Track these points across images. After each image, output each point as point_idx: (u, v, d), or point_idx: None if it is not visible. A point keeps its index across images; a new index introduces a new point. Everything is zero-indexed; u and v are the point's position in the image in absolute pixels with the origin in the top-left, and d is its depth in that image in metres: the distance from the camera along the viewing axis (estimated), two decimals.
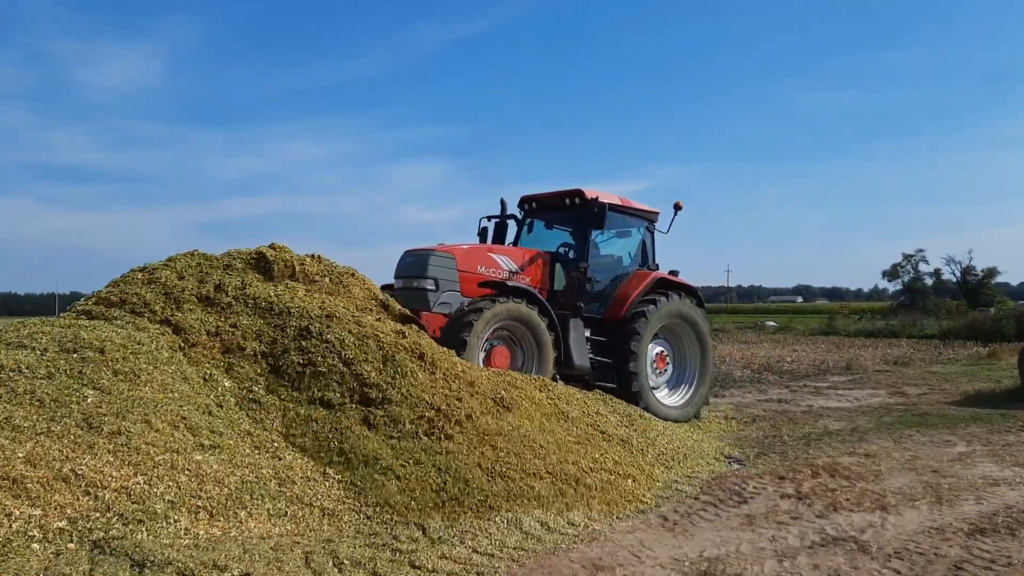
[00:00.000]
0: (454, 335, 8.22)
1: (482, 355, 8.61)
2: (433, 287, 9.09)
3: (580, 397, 7.94)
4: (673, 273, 11.01)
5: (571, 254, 10.73)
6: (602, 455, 6.71)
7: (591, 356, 9.81)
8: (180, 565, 3.79)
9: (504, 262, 9.84)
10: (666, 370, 10.76)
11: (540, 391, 7.47)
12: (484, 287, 9.19)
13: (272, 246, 7.63)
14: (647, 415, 8.80)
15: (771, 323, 43.40)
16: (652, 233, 11.26)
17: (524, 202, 11.41)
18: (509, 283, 9.24)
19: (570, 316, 9.61)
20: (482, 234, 11.24)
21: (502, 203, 11.31)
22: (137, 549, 3.85)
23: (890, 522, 5.68)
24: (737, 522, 5.72)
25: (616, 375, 9.92)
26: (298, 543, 4.39)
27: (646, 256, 11.19)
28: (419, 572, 4.33)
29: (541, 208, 11.28)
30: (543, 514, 5.45)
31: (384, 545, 4.58)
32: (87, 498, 4.10)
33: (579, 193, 10.37)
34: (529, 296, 9.03)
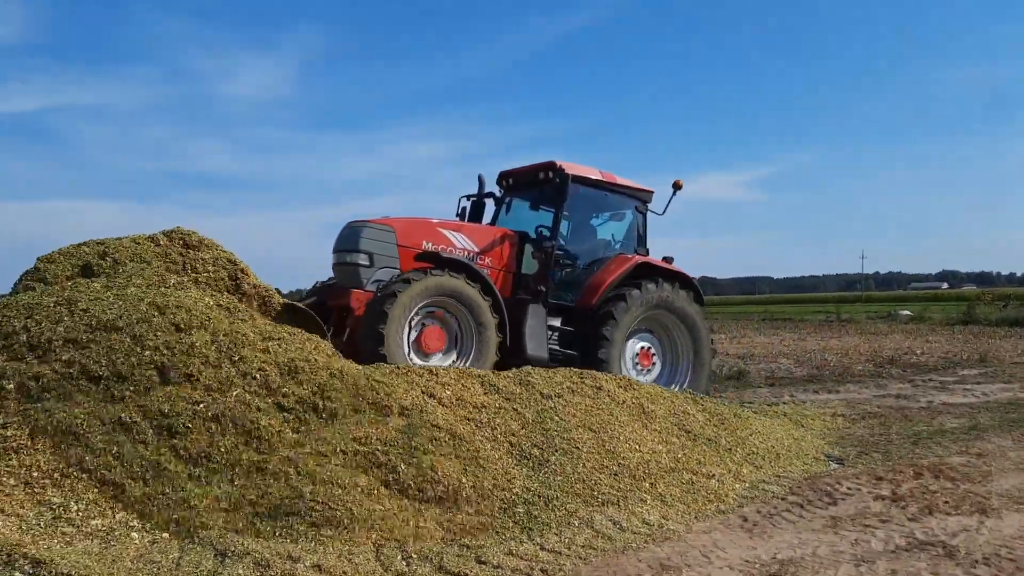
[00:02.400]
0: (376, 308, 7.48)
1: (413, 334, 7.81)
2: (366, 262, 8.26)
3: (667, 396, 7.88)
4: (667, 260, 9.93)
5: None
6: (685, 454, 6.67)
7: (555, 347, 8.94)
8: (257, 556, 4.12)
9: (458, 239, 8.86)
10: (651, 368, 9.67)
11: (624, 390, 7.49)
12: (422, 263, 8.34)
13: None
14: (742, 413, 8.60)
15: (905, 312, 40.99)
16: (644, 215, 10.15)
17: (502, 178, 10.40)
18: (444, 255, 8.37)
19: (530, 301, 8.71)
20: (461, 215, 10.26)
21: (479, 180, 10.31)
22: (220, 540, 4.20)
23: (987, 526, 5.39)
24: (820, 524, 5.58)
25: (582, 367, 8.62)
26: (370, 538, 4.63)
27: (640, 241, 10.10)
28: (485, 568, 4.49)
29: (518, 185, 10.24)
30: (616, 513, 5.50)
31: (453, 541, 4.77)
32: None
33: (551, 166, 9.32)
34: (469, 271, 8.12)
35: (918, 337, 25.47)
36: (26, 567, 3.60)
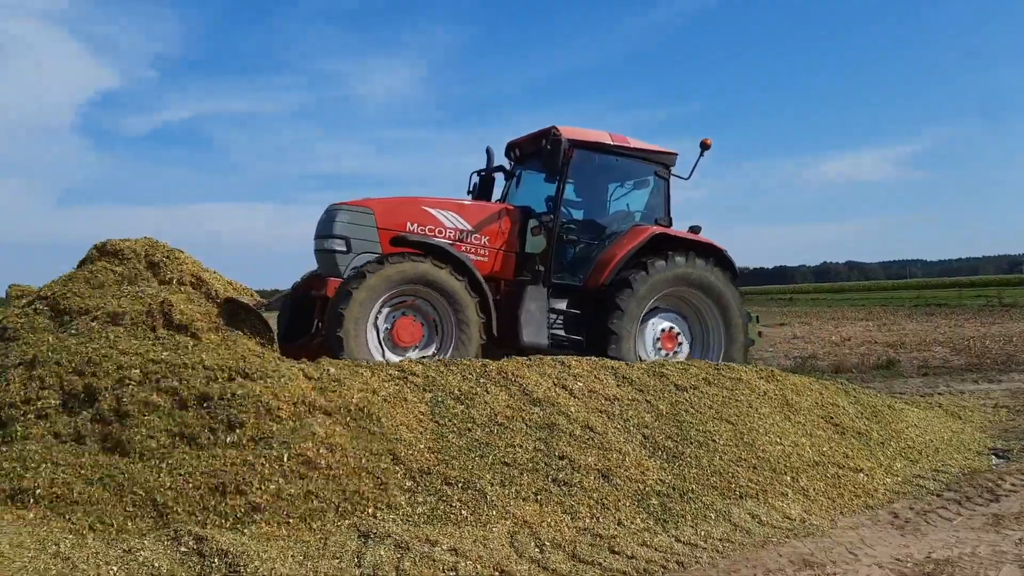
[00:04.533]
0: (332, 308, 6.90)
1: (378, 331, 7.16)
2: (343, 248, 7.55)
3: (815, 388, 7.56)
4: (694, 229, 8.76)
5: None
6: (831, 447, 6.38)
7: (557, 332, 8.06)
8: (397, 538, 4.28)
9: (448, 218, 8.03)
10: (678, 351, 8.50)
11: (766, 381, 7.25)
12: (398, 247, 7.58)
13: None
14: (896, 405, 8.12)
15: None
16: (666, 180, 8.92)
17: (510, 149, 9.38)
18: (411, 237, 7.64)
19: (528, 283, 7.93)
20: (472, 191, 9.45)
21: (488, 153, 9.35)
22: (364, 523, 4.40)
23: None
24: (980, 522, 5.21)
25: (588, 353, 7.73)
26: (504, 525, 4.71)
27: (662, 210, 8.89)
28: (618, 558, 4.48)
29: (525, 156, 9.18)
30: (755, 506, 5.34)
31: (585, 530, 4.77)
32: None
33: (548, 132, 8.24)
34: (439, 253, 7.44)
35: None
36: (214, 560, 3.88)
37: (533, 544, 4.51)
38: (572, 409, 5.86)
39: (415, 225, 7.82)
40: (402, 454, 5.01)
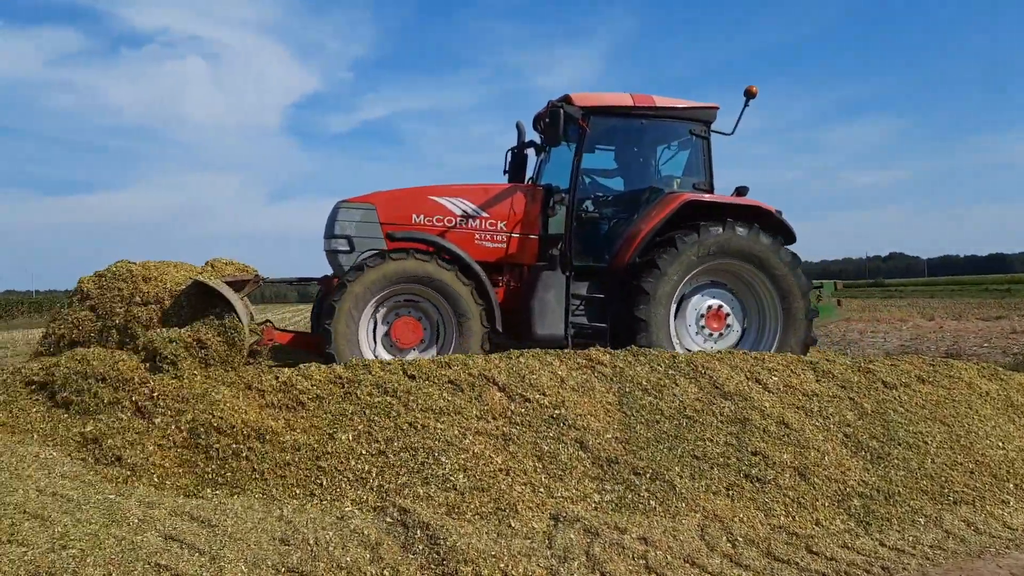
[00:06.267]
0: (326, 302, 6.69)
1: (381, 327, 6.88)
2: (345, 247, 7.22)
3: None
4: (740, 191, 7.69)
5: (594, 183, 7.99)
6: None
7: (579, 320, 7.27)
8: (586, 523, 4.38)
9: (457, 205, 7.49)
10: (725, 333, 7.47)
11: (989, 380, 6.66)
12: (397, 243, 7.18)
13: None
14: None
15: None
16: (706, 139, 7.87)
17: (537, 122, 8.42)
18: (398, 234, 7.18)
19: (544, 269, 7.19)
20: (508, 171, 8.82)
21: (518, 128, 8.65)
22: (553, 506, 4.54)
23: None
24: None
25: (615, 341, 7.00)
26: (694, 517, 4.67)
27: (706, 173, 7.87)
28: (817, 558, 4.31)
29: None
30: (971, 513, 4.94)
31: (781, 528, 4.63)
32: None
33: (567, 101, 7.46)
34: (440, 249, 7.02)
35: None
36: (416, 531, 4.19)
37: (725, 539, 4.43)
38: (766, 404, 5.68)
39: (421, 217, 7.42)
40: (589, 443, 5.10)
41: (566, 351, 6.24)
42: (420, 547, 4.03)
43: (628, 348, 6.38)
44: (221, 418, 5.06)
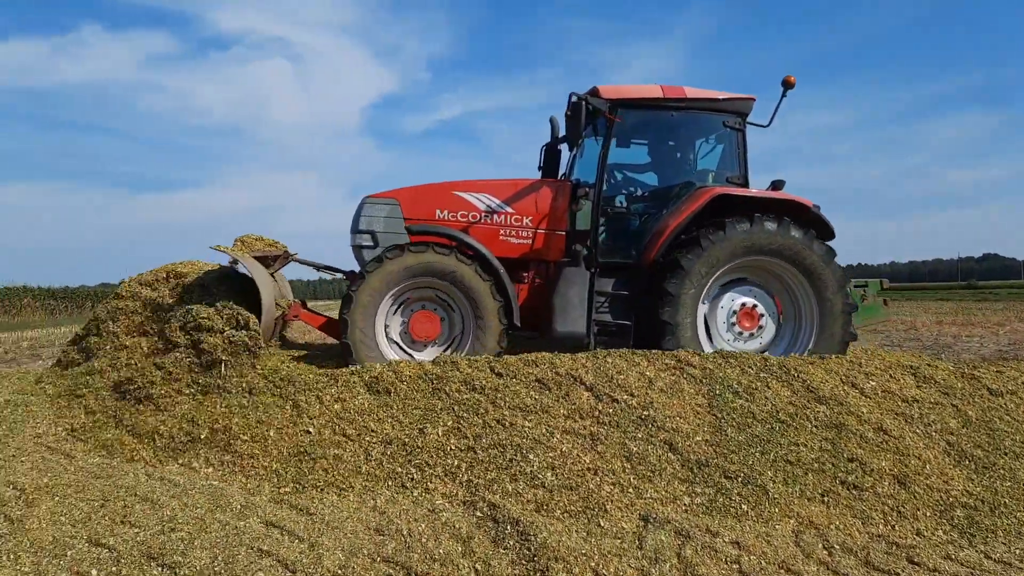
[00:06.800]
0: (340, 315, 6.65)
1: (400, 320, 6.87)
2: (369, 243, 7.27)
3: None
4: (776, 185, 7.42)
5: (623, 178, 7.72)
6: None
7: (603, 318, 7.04)
8: (678, 525, 4.33)
9: (482, 201, 7.39)
10: (758, 332, 7.13)
11: None
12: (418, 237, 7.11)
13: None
14: None
15: None
16: (740, 132, 7.55)
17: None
18: (415, 227, 7.09)
19: (567, 265, 7.06)
20: (543, 167, 8.64)
21: (551, 124, 8.44)
22: (647, 507, 4.50)
23: None
24: None
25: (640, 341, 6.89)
26: (788, 522, 4.57)
27: (740, 166, 7.56)
28: (918, 569, 4.15)
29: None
30: None
31: (880, 536, 4.48)
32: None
33: (594, 93, 7.24)
34: (461, 244, 6.94)
35: None
36: (506, 527, 4.23)
37: (821, 546, 4.32)
38: (863, 409, 5.51)
39: (445, 212, 7.37)
40: (679, 444, 5.04)
41: (653, 352, 6.18)
42: (511, 542, 4.07)
43: (718, 351, 6.29)
44: (315, 413, 5.21)
